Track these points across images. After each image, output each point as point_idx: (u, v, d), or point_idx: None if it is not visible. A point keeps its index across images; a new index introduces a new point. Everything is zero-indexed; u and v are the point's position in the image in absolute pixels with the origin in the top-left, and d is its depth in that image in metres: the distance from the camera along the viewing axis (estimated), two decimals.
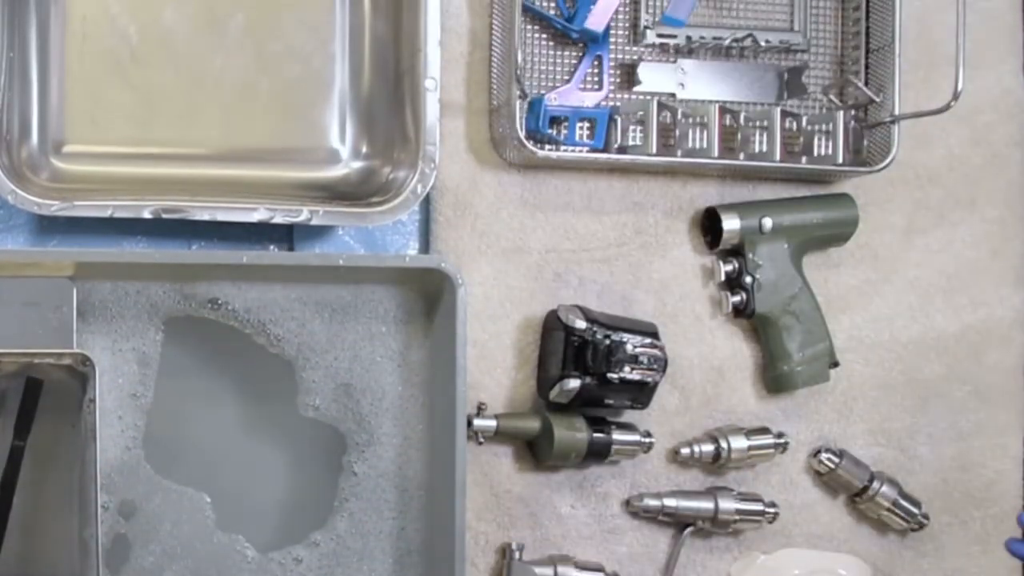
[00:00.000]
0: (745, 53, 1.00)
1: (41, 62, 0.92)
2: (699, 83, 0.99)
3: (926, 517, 1.00)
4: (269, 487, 0.94)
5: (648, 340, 0.93)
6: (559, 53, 0.98)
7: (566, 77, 0.98)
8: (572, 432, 0.93)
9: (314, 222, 0.88)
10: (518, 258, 0.97)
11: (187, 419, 0.93)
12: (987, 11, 1.04)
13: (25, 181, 0.88)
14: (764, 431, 0.98)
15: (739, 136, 0.97)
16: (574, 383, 0.92)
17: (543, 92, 0.97)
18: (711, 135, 0.95)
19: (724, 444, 0.96)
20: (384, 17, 0.95)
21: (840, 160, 0.97)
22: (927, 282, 1.03)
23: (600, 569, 0.95)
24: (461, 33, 0.97)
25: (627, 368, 0.92)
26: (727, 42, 0.98)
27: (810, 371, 0.98)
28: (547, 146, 0.95)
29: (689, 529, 0.97)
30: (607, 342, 0.92)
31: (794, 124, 0.98)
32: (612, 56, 0.99)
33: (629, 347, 0.92)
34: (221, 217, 0.87)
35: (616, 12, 0.97)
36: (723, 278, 0.97)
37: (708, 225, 0.99)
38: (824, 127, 0.98)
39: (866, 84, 0.99)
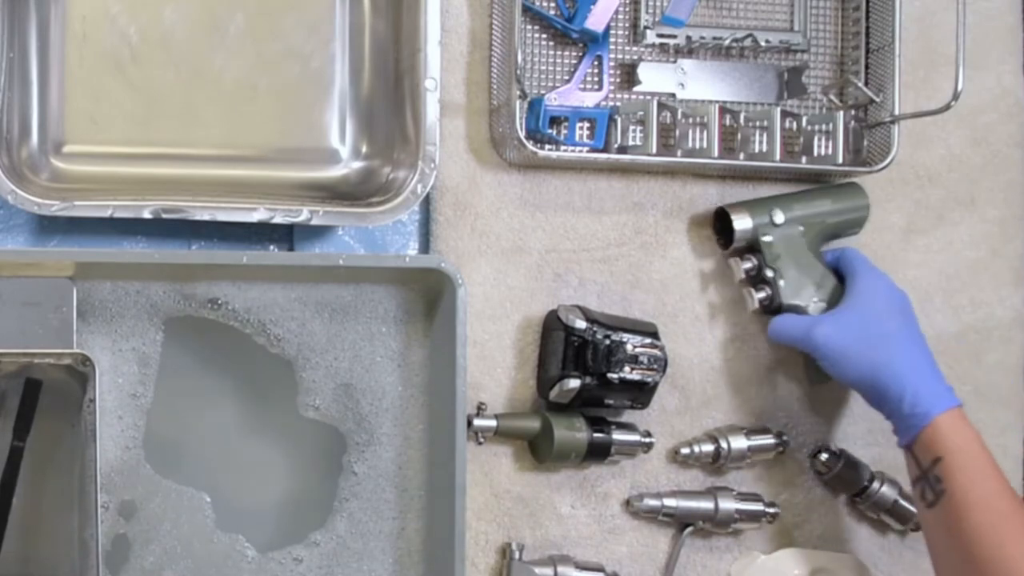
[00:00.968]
0: (745, 53, 1.00)
1: (41, 62, 0.92)
2: (699, 83, 1.00)
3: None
4: (269, 487, 0.94)
5: (648, 340, 0.93)
6: (559, 53, 0.98)
7: (566, 77, 0.98)
8: (572, 432, 0.93)
9: (314, 222, 0.88)
10: (518, 258, 0.97)
11: (187, 419, 0.93)
12: (987, 11, 1.04)
13: (25, 181, 0.88)
14: (764, 431, 0.98)
15: (739, 136, 0.97)
16: (574, 383, 0.92)
17: (543, 92, 0.97)
18: (711, 135, 0.95)
19: (724, 444, 0.96)
20: (384, 17, 0.95)
21: (840, 160, 0.97)
22: (927, 282, 1.03)
23: (600, 569, 0.95)
24: (461, 33, 0.97)
25: (627, 368, 0.92)
26: (727, 42, 0.98)
27: None
28: (547, 146, 0.95)
29: (689, 529, 0.97)
30: (607, 342, 0.92)
31: (794, 124, 0.98)
32: (612, 56, 0.99)
33: (629, 347, 0.92)
34: (221, 217, 0.87)
35: (616, 12, 0.97)
36: (743, 276, 0.97)
37: (719, 226, 0.98)
38: (824, 127, 0.98)
39: (866, 84, 0.99)
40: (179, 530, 0.92)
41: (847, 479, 0.99)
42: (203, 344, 0.93)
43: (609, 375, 0.92)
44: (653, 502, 0.97)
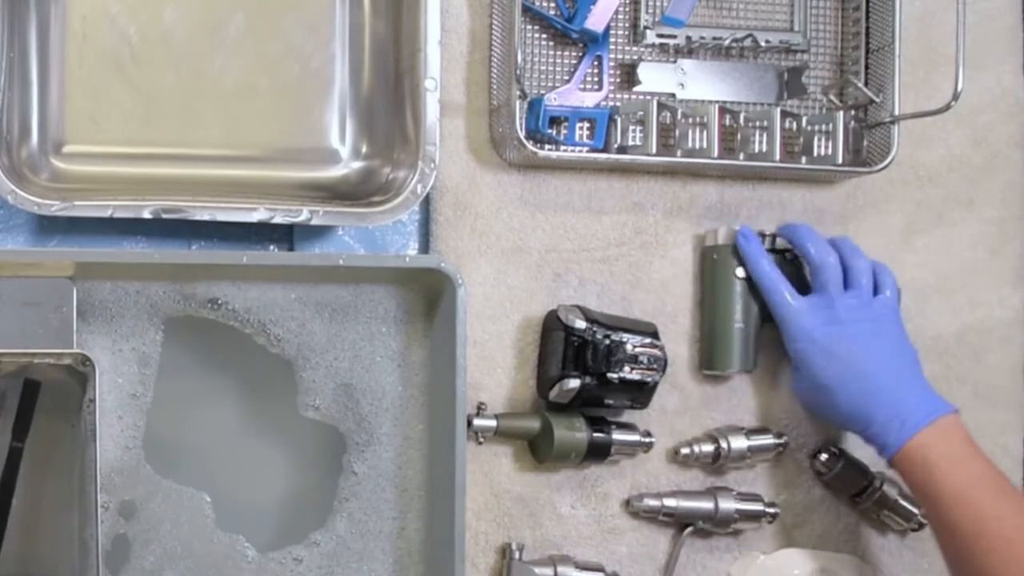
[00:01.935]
0: (745, 53, 1.00)
1: (41, 62, 0.92)
2: (699, 83, 1.00)
3: (926, 517, 1.00)
4: (269, 487, 0.94)
5: (648, 340, 0.93)
6: (559, 53, 0.98)
7: (566, 77, 0.98)
8: (572, 432, 0.93)
9: (314, 222, 0.88)
10: (518, 258, 0.97)
11: (187, 419, 0.93)
12: (987, 11, 1.04)
13: (25, 181, 0.88)
14: (764, 431, 0.98)
15: (739, 136, 0.97)
16: (574, 383, 0.92)
17: (543, 92, 0.97)
18: (711, 135, 0.95)
19: (724, 444, 0.96)
20: (384, 17, 0.95)
21: (840, 160, 0.97)
22: (926, 282, 1.03)
23: (600, 569, 0.95)
24: (461, 33, 0.97)
25: (627, 368, 0.92)
26: (727, 42, 0.98)
27: None
28: (547, 146, 0.95)
29: (689, 529, 0.97)
30: (607, 342, 0.92)
31: (794, 124, 0.98)
32: (612, 56, 0.99)
33: (629, 347, 0.92)
34: (221, 217, 0.87)
35: (616, 12, 0.97)
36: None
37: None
38: (824, 127, 0.98)
39: (866, 84, 0.99)
40: (179, 530, 0.92)
41: (847, 479, 0.99)
42: (203, 344, 0.93)
43: (609, 375, 0.91)
44: (653, 502, 0.97)
